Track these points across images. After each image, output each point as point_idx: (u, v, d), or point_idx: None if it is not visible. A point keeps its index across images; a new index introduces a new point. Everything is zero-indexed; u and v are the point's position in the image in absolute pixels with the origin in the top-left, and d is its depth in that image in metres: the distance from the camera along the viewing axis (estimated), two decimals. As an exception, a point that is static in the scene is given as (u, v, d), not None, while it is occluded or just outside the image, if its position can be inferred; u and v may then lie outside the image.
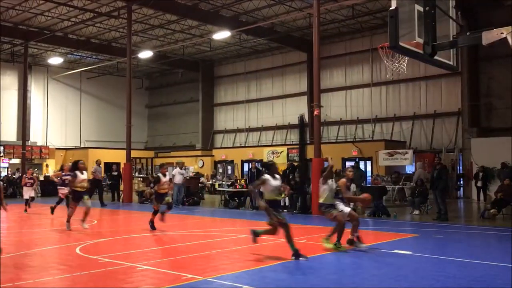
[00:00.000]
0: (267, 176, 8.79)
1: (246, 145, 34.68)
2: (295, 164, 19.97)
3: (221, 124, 37.60)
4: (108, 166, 24.53)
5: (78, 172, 12.72)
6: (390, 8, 5.94)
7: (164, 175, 13.04)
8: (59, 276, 7.41)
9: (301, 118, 19.18)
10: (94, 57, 35.71)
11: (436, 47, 6.44)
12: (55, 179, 16.41)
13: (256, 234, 8.97)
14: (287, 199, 18.14)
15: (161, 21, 28.04)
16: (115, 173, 23.85)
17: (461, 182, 24.53)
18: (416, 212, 16.68)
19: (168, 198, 12.88)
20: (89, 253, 9.34)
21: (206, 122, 37.47)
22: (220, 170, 29.79)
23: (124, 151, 24.82)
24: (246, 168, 29.94)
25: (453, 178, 23.17)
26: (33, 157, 32.62)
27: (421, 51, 6.38)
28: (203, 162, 32.85)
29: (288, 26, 28.84)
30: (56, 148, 34.71)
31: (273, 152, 29.84)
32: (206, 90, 37.65)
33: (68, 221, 12.77)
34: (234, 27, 26.02)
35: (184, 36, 30.85)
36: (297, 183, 17.62)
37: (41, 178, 28.65)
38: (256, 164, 24.66)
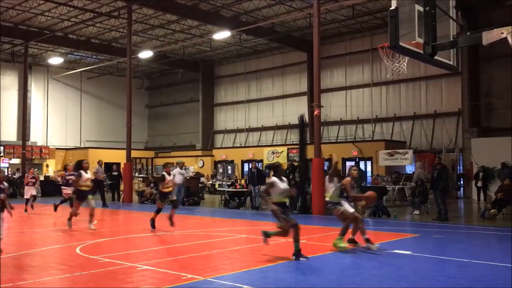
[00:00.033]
0: (274, 179, 8.72)
1: (246, 145, 34.69)
2: (295, 164, 19.97)
3: (221, 124, 37.60)
4: (108, 166, 24.51)
5: (82, 172, 12.72)
6: (390, 8, 5.94)
7: (169, 174, 13.06)
8: (59, 276, 7.41)
9: (301, 118, 19.19)
10: (94, 57, 35.72)
11: (436, 47, 6.44)
12: (59, 179, 16.37)
13: (267, 235, 8.84)
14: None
15: (161, 21, 28.04)
16: (115, 173, 23.85)
17: (461, 182, 24.53)
18: (416, 212, 16.68)
19: (172, 196, 12.89)
20: (89, 253, 9.34)
21: (206, 122, 37.48)
22: (220, 170, 29.80)
23: (124, 151, 24.83)
24: (246, 168, 29.94)
25: (453, 178, 23.17)
26: (33, 157, 32.63)
27: (421, 51, 6.38)
28: (203, 162, 32.86)
29: (288, 26, 28.84)
30: (56, 148, 34.72)
31: (273, 152, 29.85)
32: (206, 90, 37.66)
33: (70, 219, 12.78)
34: (234, 27, 26.02)
35: (184, 36, 30.85)
36: (297, 183, 17.60)
37: (41, 178, 28.64)
38: (256, 164, 24.65)
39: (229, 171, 29.31)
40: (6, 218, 10.90)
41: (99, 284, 7.05)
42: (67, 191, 15.62)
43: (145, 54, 29.25)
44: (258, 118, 35.27)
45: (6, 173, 30.15)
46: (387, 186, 20.70)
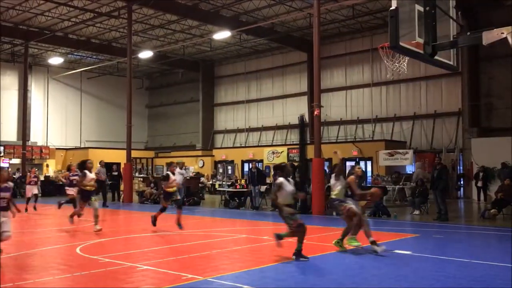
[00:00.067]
0: (282, 179, 8.66)
1: (246, 145, 34.69)
2: (295, 164, 19.97)
3: (221, 124, 37.60)
4: (109, 166, 24.53)
5: (87, 172, 12.64)
6: (391, 8, 5.94)
7: (173, 173, 12.95)
8: (59, 276, 7.41)
9: (301, 118, 19.19)
10: (94, 57, 35.72)
11: (437, 47, 6.43)
12: (63, 180, 16.23)
13: (279, 237, 8.77)
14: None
15: (161, 21, 28.04)
16: (115, 173, 23.86)
17: (462, 182, 24.53)
18: (417, 212, 16.68)
19: (176, 195, 12.80)
20: (90, 253, 9.34)
21: (206, 122, 37.48)
22: (220, 170, 29.82)
23: (124, 151, 24.85)
24: (246, 168, 29.94)
25: (453, 178, 23.17)
26: (33, 157, 32.64)
27: (421, 51, 6.38)
28: (203, 162, 32.86)
29: (289, 26, 28.84)
30: (56, 148, 34.73)
31: (273, 152, 29.85)
32: (206, 90, 37.67)
33: (72, 216, 12.81)
34: (234, 27, 26.03)
35: (184, 36, 30.86)
36: (297, 183, 17.57)
37: (42, 178, 28.64)
38: (256, 164, 24.66)
39: (229, 171, 29.32)
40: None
41: (99, 284, 7.05)
42: (71, 192, 15.47)
43: (145, 54, 29.26)
44: (258, 118, 35.28)
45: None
46: (387, 186, 20.71)
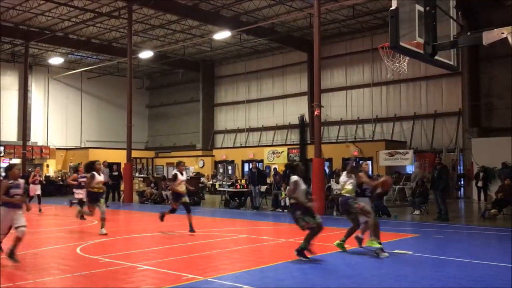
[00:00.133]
0: (296, 178, 8.62)
1: (247, 145, 34.69)
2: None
3: (222, 124, 37.61)
4: (109, 166, 24.56)
5: (95, 173, 12.32)
6: (391, 8, 5.93)
7: (182, 173, 12.54)
8: (59, 276, 7.41)
9: (301, 118, 19.21)
10: (94, 57, 35.73)
11: (437, 47, 6.43)
12: (73, 183, 15.88)
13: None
14: (287, 199, 18.12)
15: (162, 21, 28.05)
16: (116, 173, 23.86)
17: (462, 182, 24.53)
18: (417, 212, 16.69)
19: (185, 197, 12.43)
20: (90, 253, 9.35)
21: (206, 122, 37.48)
22: (221, 170, 29.81)
23: (125, 151, 24.86)
24: (246, 168, 29.95)
25: (453, 178, 23.17)
26: (33, 157, 32.67)
27: (421, 51, 6.37)
28: (204, 162, 32.87)
29: (289, 26, 28.84)
30: (57, 148, 34.74)
31: (273, 152, 29.86)
32: (206, 90, 37.67)
33: (80, 213, 12.79)
34: (234, 27, 26.03)
35: (185, 36, 30.86)
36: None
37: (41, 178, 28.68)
38: (257, 164, 24.69)
39: (230, 171, 29.32)
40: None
41: (100, 284, 7.05)
42: (79, 194, 15.19)
43: (146, 54, 29.27)
44: (259, 118, 35.28)
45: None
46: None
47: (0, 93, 34.04)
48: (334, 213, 16.69)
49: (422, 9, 6.31)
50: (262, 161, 29.87)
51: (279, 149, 29.86)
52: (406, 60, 9.22)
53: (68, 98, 37.81)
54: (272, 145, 31.99)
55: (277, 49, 33.60)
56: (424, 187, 16.93)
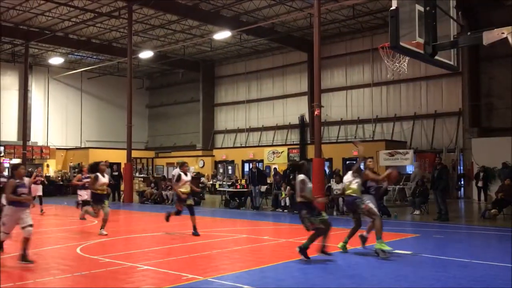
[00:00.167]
0: (303, 176, 8.57)
1: (247, 145, 34.69)
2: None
3: (222, 124, 37.61)
4: (109, 166, 24.58)
5: (99, 174, 12.11)
6: (391, 8, 5.93)
7: (186, 174, 12.23)
8: (59, 276, 7.41)
9: (301, 118, 19.20)
10: (94, 57, 35.73)
11: (437, 47, 6.42)
12: (77, 183, 15.72)
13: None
14: (287, 199, 18.14)
15: (162, 21, 28.05)
16: (116, 173, 23.87)
17: (462, 182, 24.53)
18: (417, 212, 16.69)
19: (190, 199, 12.18)
20: (90, 253, 9.35)
21: (206, 122, 37.48)
22: (221, 170, 29.81)
23: (125, 151, 24.87)
24: (246, 168, 29.96)
25: (453, 178, 23.17)
26: (33, 157, 32.67)
27: (421, 51, 6.37)
28: (204, 162, 32.88)
29: (289, 26, 28.84)
30: (57, 148, 34.75)
31: (273, 152, 29.87)
32: (206, 90, 37.67)
33: (87, 212, 12.55)
34: (234, 27, 26.03)
35: (185, 36, 30.86)
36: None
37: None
38: (257, 164, 24.70)
39: (230, 171, 29.32)
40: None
41: (100, 284, 7.06)
42: (83, 195, 14.97)
43: (146, 54, 29.27)
44: (259, 118, 35.28)
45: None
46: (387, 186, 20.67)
47: (0, 93, 34.03)
48: (334, 213, 16.69)
49: (422, 9, 6.30)
50: (262, 161, 29.87)
51: (279, 149, 29.86)
52: (406, 60, 9.22)
53: (68, 98, 37.81)
54: (272, 145, 31.99)
55: (277, 49, 33.61)
56: (424, 187, 16.93)
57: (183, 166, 12.53)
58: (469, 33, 7.40)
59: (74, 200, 16.30)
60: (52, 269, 7.95)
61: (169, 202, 21.82)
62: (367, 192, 9.27)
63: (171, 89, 41.29)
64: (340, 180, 17.29)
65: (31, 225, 8.09)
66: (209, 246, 10.32)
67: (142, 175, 31.74)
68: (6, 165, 20.41)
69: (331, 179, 18.48)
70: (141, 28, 29.08)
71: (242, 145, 34.81)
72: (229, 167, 29.45)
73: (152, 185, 23.98)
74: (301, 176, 8.62)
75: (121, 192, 24.08)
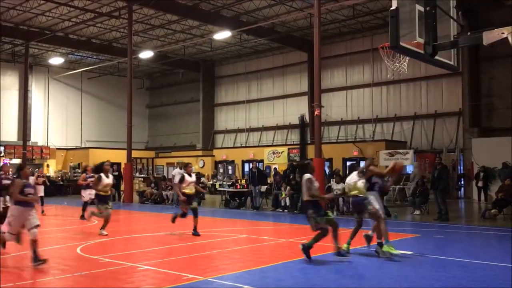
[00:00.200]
0: (309, 175, 8.56)
1: (247, 145, 34.69)
2: (296, 164, 19.97)
3: (222, 124, 37.61)
4: (110, 166, 24.58)
5: (102, 175, 11.93)
6: (391, 8, 5.93)
7: (190, 175, 12.00)
8: (59, 276, 7.42)
9: (301, 118, 19.19)
10: (94, 57, 35.73)
11: (437, 47, 6.43)
12: (83, 183, 15.64)
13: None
14: (287, 199, 18.15)
15: (162, 21, 28.05)
16: (116, 173, 23.85)
17: (462, 182, 24.52)
18: (417, 212, 16.69)
19: (195, 204, 11.94)
20: (90, 253, 9.35)
21: (206, 122, 37.48)
22: (221, 170, 29.80)
23: (125, 151, 24.87)
24: (246, 168, 29.96)
25: (454, 178, 23.16)
26: (33, 157, 32.66)
27: (422, 51, 6.37)
28: (204, 162, 32.87)
29: (289, 26, 28.84)
30: (57, 148, 34.75)
31: (273, 152, 29.87)
32: (206, 90, 37.67)
33: (93, 213, 12.19)
34: (234, 27, 26.03)
35: (185, 36, 30.86)
36: (297, 183, 17.60)
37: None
38: (257, 164, 24.70)
39: (230, 171, 29.31)
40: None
41: (100, 284, 7.06)
42: (86, 196, 15.05)
43: (146, 54, 29.27)
44: (259, 118, 35.27)
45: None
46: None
47: (0, 93, 34.04)
48: (334, 213, 16.66)
49: (422, 9, 6.31)
50: (262, 161, 29.87)
51: (279, 149, 29.86)
52: (406, 60, 9.22)
53: (68, 98, 37.81)
54: (272, 145, 31.99)
55: (277, 49, 33.60)
56: (424, 187, 16.93)
57: (187, 166, 12.32)
58: (469, 33, 7.40)
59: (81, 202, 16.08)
60: (52, 269, 7.94)
61: (169, 202, 21.84)
62: (371, 189, 9.18)
63: (171, 89, 41.29)
64: (340, 180, 17.33)
65: (36, 226, 8.01)
66: (209, 246, 10.32)
67: (142, 175, 31.74)
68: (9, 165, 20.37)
69: (331, 179, 18.48)
70: (141, 28, 29.08)
71: (242, 145, 34.80)
72: (229, 167, 29.44)
73: (152, 185, 23.99)
74: (307, 175, 8.60)
75: (121, 192, 24.08)
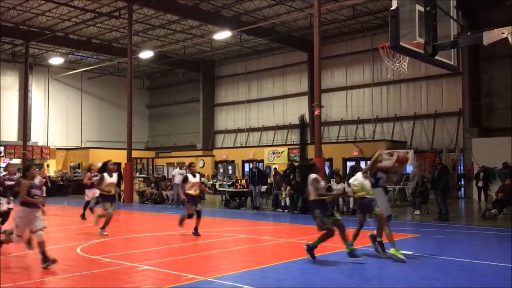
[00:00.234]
0: (315, 175, 8.54)
1: (247, 145, 34.70)
2: (296, 164, 19.97)
3: (222, 124, 37.61)
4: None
5: (105, 175, 11.78)
6: (391, 8, 5.93)
7: (194, 175, 11.71)
8: (59, 276, 7.41)
9: (301, 118, 19.19)
10: (95, 57, 35.74)
11: (437, 47, 6.43)
12: (88, 182, 15.58)
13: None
14: (287, 199, 18.15)
15: (162, 21, 28.05)
16: (116, 173, 23.82)
17: (462, 182, 24.52)
18: (417, 212, 16.68)
19: (200, 206, 11.72)
20: (90, 253, 9.35)
21: (206, 122, 37.49)
22: (221, 170, 29.81)
23: (125, 151, 24.86)
24: (247, 168, 29.96)
25: (454, 178, 23.15)
26: (34, 157, 32.66)
27: (422, 51, 6.38)
28: (204, 162, 32.86)
29: (289, 26, 28.84)
30: (57, 148, 34.76)
31: (274, 152, 29.86)
32: (206, 90, 37.68)
33: (100, 216, 11.93)
34: (234, 27, 26.03)
35: (185, 36, 30.87)
36: (297, 183, 17.60)
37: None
38: (257, 164, 24.69)
39: (230, 171, 29.32)
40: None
41: (100, 284, 7.06)
42: (89, 196, 14.99)
43: (146, 54, 29.28)
44: (259, 118, 35.28)
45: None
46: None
47: (0, 93, 34.05)
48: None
49: (422, 9, 6.31)
50: (262, 161, 29.86)
51: (280, 149, 29.86)
52: (406, 60, 9.22)
53: (69, 98, 37.82)
54: (272, 145, 31.99)
55: (278, 49, 33.61)
56: (425, 187, 16.92)
57: (190, 166, 12.05)
58: (469, 33, 7.41)
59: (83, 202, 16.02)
60: (52, 269, 7.94)
61: (169, 202, 21.84)
62: (376, 185, 9.08)
63: (171, 89, 41.29)
64: (340, 180, 17.33)
65: (42, 229, 7.93)
66: (209, 246, 10.32)
67: (142, 175, 31.73)
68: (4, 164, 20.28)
69: (331, 179, 18.48)
70: (141, 28, 29.08)
71: (242, 145, 34.81)
72: (229, 167, 29.44)
73: (152, 185, 23.98)
74: (313, 175, 8.58)
75: (121, 192, 24.07)
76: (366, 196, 8.91)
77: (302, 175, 14.86)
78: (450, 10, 7.04)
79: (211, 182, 29.55)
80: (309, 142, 28.35)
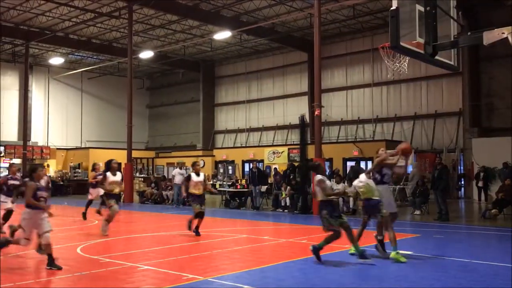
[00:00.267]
0: (321, 176, 8.52)
1: (247, 145, 34.70)
2: (296, 164, 19.97)
3: (222, 124, 37.62)
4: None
5: (108, 173, 11.70)
6: (391, 8, 5.93)
7: (198, 174, 11.61)
8: (59, 276, 7.41)
9: (302, 118, 19.17)
10: (95, 57, 35.75)
11: (437, 47, 6.43)
12: (92, 180, 15.54)
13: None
14: (287, 199, 18.15)
15: (162, 21, 28.05)
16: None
17: (462, 182, 24.52)
18: (417, 212, 16.68)
19: (204, 207, 11.62)
20: (90, 253, 9.35)
21: (207, 122, 37.50)
22: (221, 170, 29.80)
23: (125, 151, 24.85)
24: (247, 168, 29.96)
25: (454, 178, 23.16)
26: (34, 157, 32.65)
27: (422, 51, 6.38)
28: (204, 162, 32.82)
29: (289, 26, 28.84)
30: (57, 148, 34.76)
31: (274, 152, 29.86)
32: (207, 90, 37.69)
33: (108, 221, 11.73)
34: (235, 27, 26.03)
35: (185, 36, 30.87)
36: (297, 183, 17.61)
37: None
38: (257, 164, 24.68)
39: (230, 171, 29.31)
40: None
41: (100, 284, 7.05)
42: (92, 195, 14.97)
43: (146, 54, 29.28)
44: (259, 118, 35.28)
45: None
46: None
47: (0, 93, 34.05)
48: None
49: (422, 9, 6.31)
50: (262, 161, 29.87)
51: (280, 149, 29.86)
52: (407, 60, 9.22)
53: (69, 98, 37.83)
54: (272, 145, 31.99)
55: (278, 49, 33.61)
56: (425, 187, 16.93)
57: (194, 165, 11.96)
58: (469, 33, 7.41)
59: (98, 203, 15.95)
60: (52, 269, 7.94)
61: (169, 202, 21.84)
62: (381, 181, 8.97)
63: (171, 89, 41.30)
64: (340, 180, 17.34)
65: (48, 231, 7.83)
66: (209, 246, 10.32)
67: (142, 175, 31.73)
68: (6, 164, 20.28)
69: (331, 179, 18.46)
70: (141, 28, 29.08)
71: (243, 145, 34.81)
72: (230, 167, 29.44)
73: (153, 185, 23.99)
74: (319, 176, 8.54)
75: (121, 192, 24.05)
76: (372, 198, 8.79)
77: (302, 175, 14.99)
78: (450, 10, 7.03)
79: (211, 182, 29.55)
80: (309, 142, 28.33)
